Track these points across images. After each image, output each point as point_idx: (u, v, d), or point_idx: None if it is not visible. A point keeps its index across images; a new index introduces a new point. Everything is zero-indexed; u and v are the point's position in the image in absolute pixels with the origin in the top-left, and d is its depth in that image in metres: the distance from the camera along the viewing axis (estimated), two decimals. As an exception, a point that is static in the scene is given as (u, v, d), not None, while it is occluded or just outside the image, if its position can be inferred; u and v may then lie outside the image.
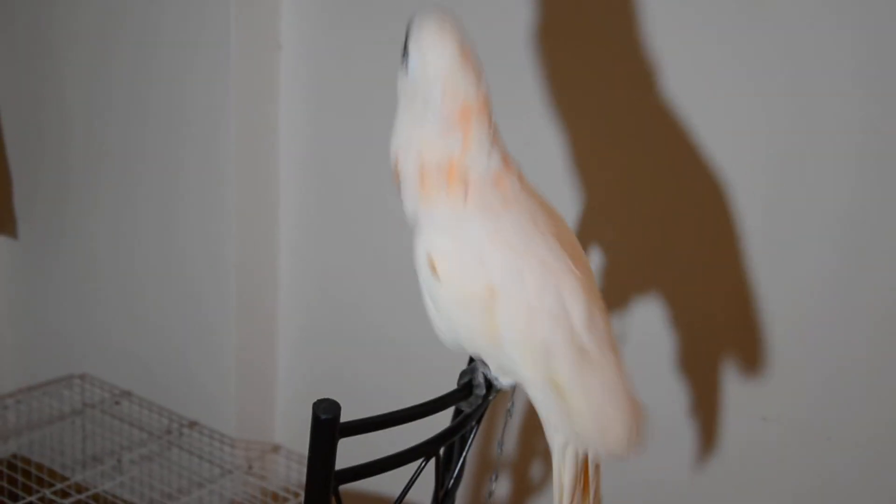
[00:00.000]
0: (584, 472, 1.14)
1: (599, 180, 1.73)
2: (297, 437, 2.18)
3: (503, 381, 1.13)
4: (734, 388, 1.67)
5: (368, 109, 1.93)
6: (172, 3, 2.02)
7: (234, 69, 1.94)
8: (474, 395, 1.14)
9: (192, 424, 2.19)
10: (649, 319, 1.72)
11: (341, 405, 0.98)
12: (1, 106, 2.33)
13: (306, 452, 0.99)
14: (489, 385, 1.14)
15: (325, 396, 0.98)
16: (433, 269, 1.04)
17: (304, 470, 1.01)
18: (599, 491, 1.17)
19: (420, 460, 1.08)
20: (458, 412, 1.19)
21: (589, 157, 1.73)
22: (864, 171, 1.50)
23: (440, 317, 1.07)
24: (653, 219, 1.70)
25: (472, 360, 1.21)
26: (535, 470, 1.89)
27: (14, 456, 2.33)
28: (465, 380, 1.15)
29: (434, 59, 1.01)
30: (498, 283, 1.02)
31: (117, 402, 2.29)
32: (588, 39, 1.69)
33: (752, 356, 1.65)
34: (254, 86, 2.00)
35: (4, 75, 2.33)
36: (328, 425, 0.97)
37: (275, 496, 2.11)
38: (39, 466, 2.32)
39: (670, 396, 1.72)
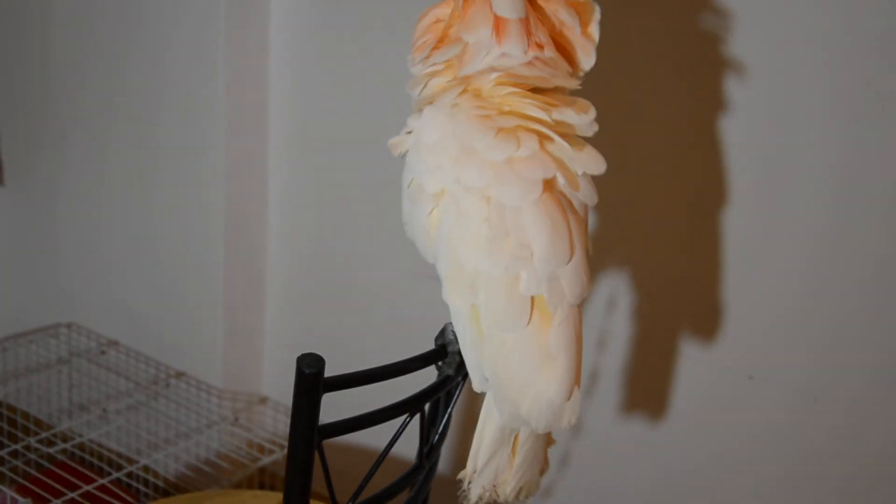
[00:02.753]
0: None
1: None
2: (284, 389, 2.19)
3: None
4: (720, 346, 1.67)
5: (360, 58, 1.90)
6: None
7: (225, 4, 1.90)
8: (450, 354, 1.12)
9: (179, 375, 2.19)
10: (636, 278, 1.71)
11: (327, 360, 0.97)
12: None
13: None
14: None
15: (312, 351, 0.97)
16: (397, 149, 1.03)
17: (288, 430, 1.01)
18: (546, 457, 1.12)
19: (405, 416, 1.08)
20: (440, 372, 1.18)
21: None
22: (834, 153, 1.50)
23: (404, 203, 1.05)
24: (636, 199, 1.69)
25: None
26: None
27: (0, 403, 2.33)
28: (440, 341, 1.13)
29: None
30: (449, 188, 0.96)
31: (104, 352, 2.28)
32: None
33: (737, 315, 1.65)
34: (245, 24, 1.95)
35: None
36: (312, 379, 0.96)
37: (260, 448, 2.11)
38: (25, 415, 2.31)
39: (654, 353, 1.73)
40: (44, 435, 2.12)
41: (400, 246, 1.96)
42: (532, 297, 0.95)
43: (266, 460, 2.07)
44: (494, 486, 1.06)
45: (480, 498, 1.07)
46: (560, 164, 0.97)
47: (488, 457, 1.06)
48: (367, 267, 2.02)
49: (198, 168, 2.05)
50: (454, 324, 1.02)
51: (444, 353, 1.13)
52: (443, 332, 1.13)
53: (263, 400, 2.21)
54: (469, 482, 1.08)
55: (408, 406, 1.07)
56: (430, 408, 1.22)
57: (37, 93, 2.29)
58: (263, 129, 2.05)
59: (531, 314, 0.95)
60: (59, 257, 2.37)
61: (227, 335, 2.13)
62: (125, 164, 2.19)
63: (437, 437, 1.18)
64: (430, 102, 1.00)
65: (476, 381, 1.02)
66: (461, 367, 1.12)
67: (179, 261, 2.15)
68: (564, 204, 0.97)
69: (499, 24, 0.96)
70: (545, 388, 0.96)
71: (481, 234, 0.94)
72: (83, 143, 2.25)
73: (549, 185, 0.96)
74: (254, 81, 2.01)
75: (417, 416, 1.10)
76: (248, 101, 2.01)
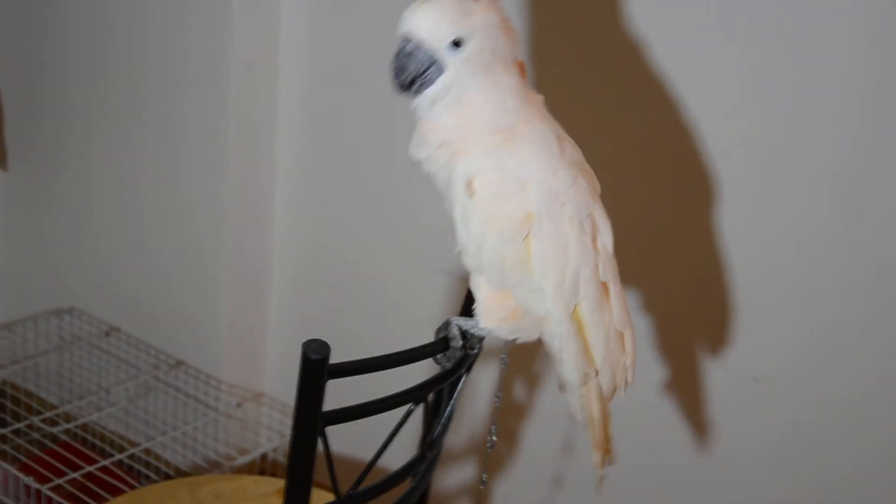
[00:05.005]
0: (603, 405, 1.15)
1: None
2: (284, 384, 2.19)
3: (481, 327, 1.11)
4: (724, 347, 1.67)
5: (371, 52, 1.90)
6: None
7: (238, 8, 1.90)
8: (451, 349, 1.13)
9: (179, 364, 2.19)
10: (640, 281, 1.71)
11: (333, 352, 0.97)
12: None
13: (292, 401, 0.99)
14: (468, 338, 1.13)
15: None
16: (471, 190, 1.03)
17: (289, 418, 1.01)
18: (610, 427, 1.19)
19: (409, 405, 1.08)
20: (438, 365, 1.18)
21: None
22: (839, 153, 1.50)
23: (470, 240, 1.06)
24: (637, 191, 1.69)
25: (461, 310, 1.20)
26: (530, 421, 1.90)
27: (3, 382, 2.34)
28: (441, 335, 1.14)
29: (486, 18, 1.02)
30: (536, 210, 1.03)
31: (107, 334, 2.29)
32: (576, 31, 1.67)
33: (741, 316, 1.65)
34: (256, 19, 1.96)
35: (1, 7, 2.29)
36: (317, 365, 0.96)
37: (261, 435, 2.12)
38: (28, 394, 2.32)
39: (659, 355, 1.73)
40: (47, 415, 2.13)
41: (402, 240, 1.98)
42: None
43: (267, 447, 2.07)
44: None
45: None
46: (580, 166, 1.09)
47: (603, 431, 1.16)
48: (370, 261, 2.02)
49: (204, 159, 2.05)
50: (553, 325, 1.08)
51: (446, 346, 1.13)
52: (446, 326, 1.14)
53: (262, 393, 2.21)
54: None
55: (412, 395, 1.07)
56: (434, 398, 1.22)
57: (42, 79, 2.29)
58: (272, 122, 2.05)
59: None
60: (62, 243, 2.38)
61: (229, 326, 2.13)
62: (130, 152, 2.19)
63: (439, 427, 1.19)
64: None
65: (578, 380, 1.11)
66: (461, 362, 1.13)
67: (182, 250, 2.15)
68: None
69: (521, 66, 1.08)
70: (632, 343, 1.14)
71: (579, 239, 1.05)
72: (87, 131, 2.25)
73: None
74: (265, 75, 2.01)
75: (421, 407, 1.10)
76: (259, 93, 2.01)
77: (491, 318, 1.11)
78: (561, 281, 1.05)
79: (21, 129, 2.37)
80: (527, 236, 1.04)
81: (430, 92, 1.03)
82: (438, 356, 1.14)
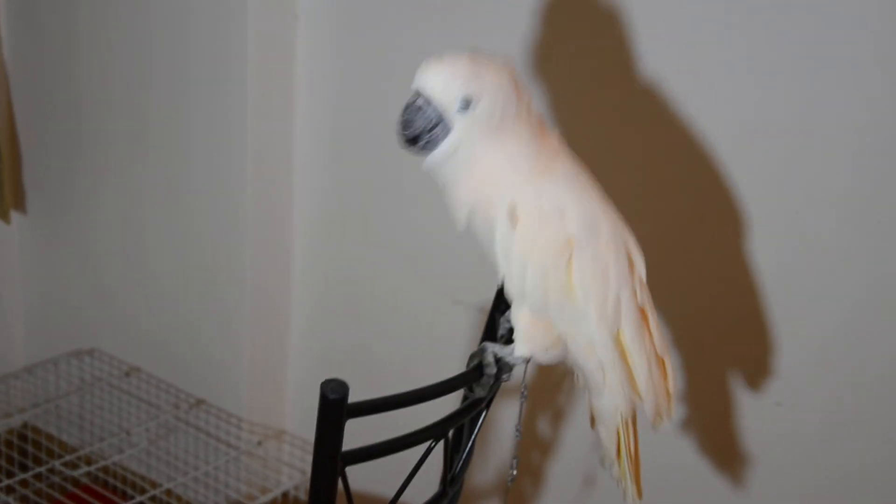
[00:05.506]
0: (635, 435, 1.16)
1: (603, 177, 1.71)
2: (305, 421, 2.18)
3: (516, 356, 1.12)
4: (747, 373, 1.65)
5: (390, 93, 1.90)
6: (194, 9, 1.99)
7: (252, 40, 1.91)
8: (486, 376, 1.13)
9: (200, 402, 2.19)
10: (663, 306, 1.70)
11: (352, 387, 0.96)
12: (12, 81, 2.31)
13: (313, 438, 0.98)
14: (500, 365, 1.13)
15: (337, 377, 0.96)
16: (513, 220, 1.04)
17: (310, 455, 1.00)
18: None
19: (429, 442, 1.07)
20: (467, 395, 1.18)
21: (595, 155, 1.70)
22: (863, 163, 1.48)
23: (513, 268, 1.06)
24: (664, 213, 1.68)
25: (481, 340, 1.20)
26: (551, 455, 1.88)
27: (25, 426, 2.34)
28: (475, 362, 1.14)
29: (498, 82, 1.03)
30: (575, 235, 1.05)
31: (127, 374, 2.29)
32: (587, 40, 1.67)
33: (764, 343, 1.63)
34: (271, 52, 1.96)
35: (16, 49, 2.32)
36: (336, 405, 0.95)
37: (278, 480, 2.11)
38: (49, 437, 2.32)
39: (683, 381, 1.71)
40: (68, 458, 2.12)
41: (422, 273, 1.97)
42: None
43: (289, 484, 2.06)
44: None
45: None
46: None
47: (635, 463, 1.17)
48: (390, 294, 2.01)
49: (223, 196, 2.06)
50: (599, 352, 1.09)
51: (480, 374, 1.13)
52: (481, 353, 1.13)
53: (284, 431, 2.20)
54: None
55: (432, 432, 1.06)
56: (454, 434, 1.21)
57: (63, 121, 2.31)
58: (288, 158, 2.06)
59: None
60: (81, 284, 2.38)
61: (251, 364, 2.13)
62: (149, 192, 2.20)
63: (460, 463, 1.17)
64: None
65: (626, 407, 1.12)
66: (492, 388, 1.13)
67: (201, 288, 2.16)
68: None
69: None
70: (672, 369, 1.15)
71: (617, 264, 1.07)
72: (105, 172, 2.27)
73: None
74: (281, 111, 2.01)
75: (441, 442, 1.09)
76: (276, 128, 2.02)
77: (534, 345, 1.11)
78: (604, 304, 1.07)
79: (38, 172, 2.39)
80: (569, 261, 1.05)
81: (438, 151, 1.04)
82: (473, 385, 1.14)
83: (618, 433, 1.15)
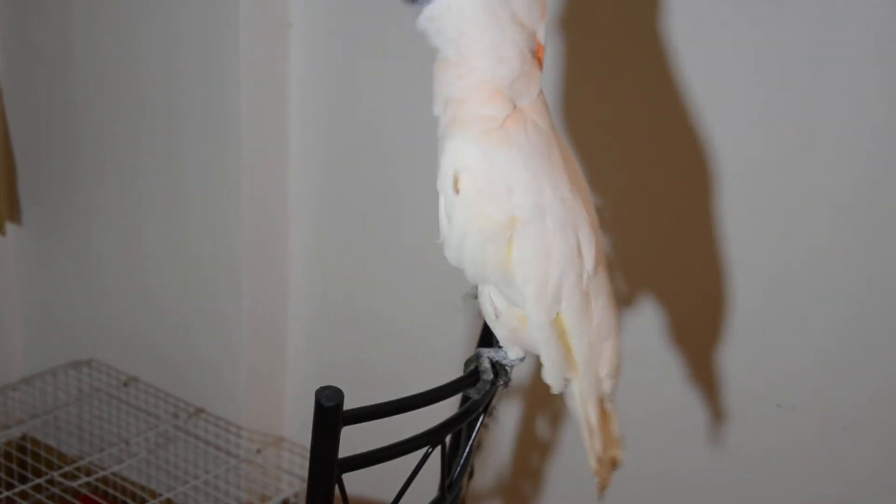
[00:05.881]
0: (602, 410, 1.15)
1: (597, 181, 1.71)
2: (303, 428, 2.17)
3: (511, 358, 1.11)
4: (748, 375, 1.65)
5: (385, 101, 1.90)
6: (186, 20, 2.00)
7: (244, 48, 1.91)
8: (482, 381, 1.12)
9: (199, 411, 2.18)
10: (663, 308, 1.70)
11: (349, 394, 0.96)
12: (5, 93, 2.31)
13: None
14: (496, 370, 1.13)
15: (335, 386, 0.96)
16: (456, 185, 1.00)
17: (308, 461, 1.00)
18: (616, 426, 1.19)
19: (426, 448, 1.07)
20: (465, 399, 1.17)
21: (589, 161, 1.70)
22: (859, 168, 1.48)
23: (452, 236, 1.03)
24: (658, 215, 1.68)
25: (477, 346, 1.19)
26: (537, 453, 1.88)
27: (23, 437, 2.34)
28: (472, 367, 1.13)
29: None
30: (520, 216, 1.01)
31: (126, 384, 2.28)
32: (589, 36, 1.67)
33: (765, 343, 1.62)
34: (264, 61, 1.96)
35: (9, 60, 2.32)
36: (331, 413, 0.95)
37: (281, 481, 2.10)
38: (48, 449, 2.32)
39: (683, 384, 1.70)
40: (67, 468, 2.12)
41: (423, 282, 1.97)
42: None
43: (288, 492, 2.05)
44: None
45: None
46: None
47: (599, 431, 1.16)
48: (387, 300, 2.01)
49: (219, 206, 2.05)
50: (535, 336, 1.07)
51: (476, 379, 1.12)
52: (476, 358, 1.13)
53: (283, 438, 2.20)
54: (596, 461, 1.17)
55: (428, 438, 1.06)
56: (452, 439, 1.20)
57: (58, 133, 2.31)
58: (284, 169, 2.05)
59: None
60: (78, 295, 2.38)
61: (248, 372, 2.12)
62: (146, 203, 2.20)
63: (458, 469, 1.17)
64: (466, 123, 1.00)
65: (558, 384, 1.11)
66: (487, 394, 1.13)
67: (198, 297, 2.15)
68: None
69: (541, 51, 1.02)
70: (613, 353, 1.12)
71: (563, 249, 1.03)
72: (101, 183, 2.26)
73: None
74: (275, 122, 2.01)
75: (439, 448, 1.09)
76: (271, 139, 2.02)
77: (521, 344, 1.11)
78: (542, 288, 1.04)
79: (33, 183, 2.39)
80: (509, 239, 1.02)
81: (430, 7, 0.98)
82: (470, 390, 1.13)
83: (582, 412, 1.14)
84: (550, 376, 1.10)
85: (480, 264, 1.04)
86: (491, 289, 1.09)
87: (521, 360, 1.13)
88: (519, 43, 0.99)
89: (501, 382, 1.15)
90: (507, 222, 1.01)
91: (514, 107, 1.00)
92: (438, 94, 1.02)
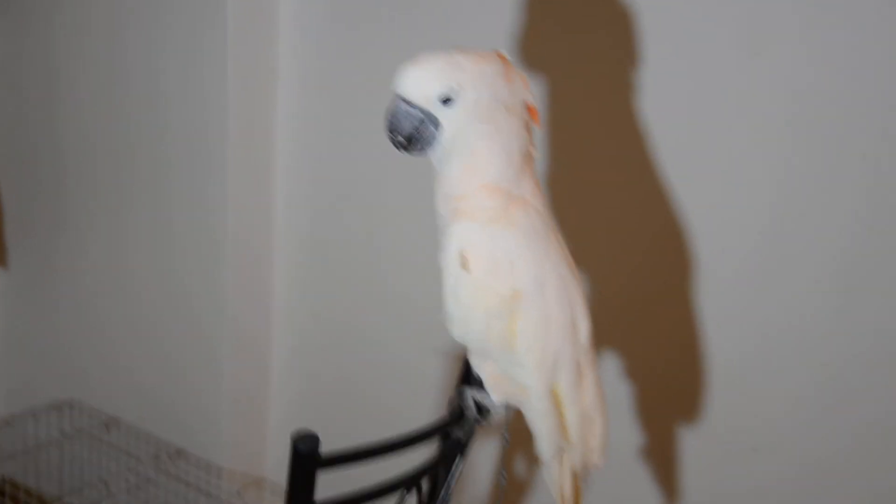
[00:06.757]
0: (575, 480, 1.18)
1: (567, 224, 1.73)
2: (285, 468, 2.15)
3: (495, 398, 1.13)
4: (723, 420, 1.66)
5: (371, 134, 1.92)
6: (172, 53, 2.02)
7: (232, 95, 1.94)
8: (465, 419, 1.14)
9: (180, 452, 2.18)
10: (637, 357, 1.71)
11: (333, 432, 0.97)
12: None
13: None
14: (479, 408, 1.15)
15: (317, 427, 0.97)
16: (464, 262, 1.04)
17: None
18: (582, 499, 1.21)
19: (401, 491, 1.07)
20: (445, 437, 1.18)
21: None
22: (837, 230, 1.51)
23: (458, 311, 1.07)
24: (634, 251, 1.70)
25: (458, 383, 1.21)
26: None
27: (3, 480, 2.32)
28: (454, 405, 1.15)
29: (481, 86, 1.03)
30: (523, 289, 1.05)
31: (107, 426, 2.27)
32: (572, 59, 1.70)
33: (739, 390, 1.64)
34: (251, 107, 1.99)
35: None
36: (307, 458, 0.96)
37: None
38: (28, 492, 2.30)
39: (657, 429, 1.71)
40: (45, 511, 2.10)
41: (404, 319, 1.98)
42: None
43: (268, 535, 2.04)
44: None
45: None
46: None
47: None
48: (372, 343, 2.02)
49: (204, 245, 2.07)
50: (531, 402, 1.11)
51: (460, 416, 1.14)
52: (460, 395, 1.15)
53: (264, 479, 2.18)
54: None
55: (405, 482, 1.07)
56: (429, 480, 1.21)
57: (44, 176, 2.32)
58: (268, 216, 2.08)
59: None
60: (62, 336, 2.38)
61: (230, 414, 2.12)
62: (125, 243, 2.21)
63: (436, 509, 1.17)
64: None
65: (551, 451, 1.14)
66: (471, 432, 1.16)
67: (182, 338, 2.16)
68: None
69: (534, 113, 1.09)
70: (602, 427, 1.16)
71: (560, 319, 1.08)
72: (82, 225, 2.28)
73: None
74: (260, 153, 2.04)
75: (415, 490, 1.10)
76: (256, 174, 2.04)
77: (502, 393, 1.13)
78: (542, 358, 1.08)
79: (19, 226, 2.39)
80: (513, 313, 1.06)
81: (436, 150, 1.04)
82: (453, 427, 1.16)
83: (555, 476, 1.17)
84: (545, 445, 1.13)
85: (484, 337, 1.08)
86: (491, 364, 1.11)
87: (504, 407, 1.15)
88: (519, 137, 1.05)
89: (485, 422, 1.17)
90: (510, 296, 1.05)
91: (513, 195, 1.06)
92: (440, 191, 1.07)
